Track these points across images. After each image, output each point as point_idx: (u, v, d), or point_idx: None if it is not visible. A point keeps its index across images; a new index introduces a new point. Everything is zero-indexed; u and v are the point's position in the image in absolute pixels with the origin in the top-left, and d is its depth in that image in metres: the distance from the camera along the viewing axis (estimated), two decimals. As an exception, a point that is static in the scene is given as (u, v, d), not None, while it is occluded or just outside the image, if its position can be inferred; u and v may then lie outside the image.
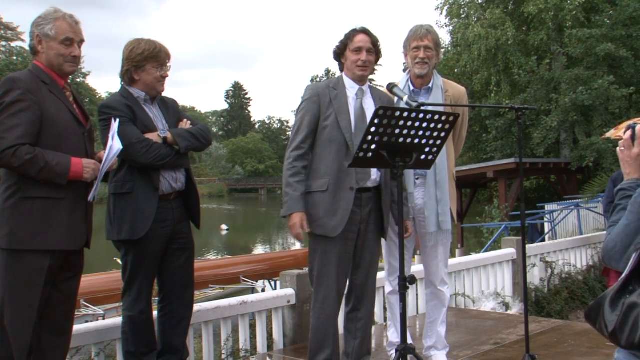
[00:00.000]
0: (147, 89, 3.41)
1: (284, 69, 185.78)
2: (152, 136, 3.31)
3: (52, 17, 2.94)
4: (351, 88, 3.55)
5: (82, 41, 3.02)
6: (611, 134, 9.01)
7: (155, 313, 3.52)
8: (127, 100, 3.36)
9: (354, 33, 3.52)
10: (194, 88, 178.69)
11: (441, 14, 24.58)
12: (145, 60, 3.34)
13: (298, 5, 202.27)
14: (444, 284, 3.84)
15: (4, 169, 2.79)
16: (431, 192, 3.67)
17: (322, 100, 3.47)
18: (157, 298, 3.55)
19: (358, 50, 3.48)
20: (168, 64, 3.45)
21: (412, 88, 3.75)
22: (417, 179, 3.71)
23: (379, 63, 3.73)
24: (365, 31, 3.52)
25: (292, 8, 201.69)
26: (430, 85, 3.74)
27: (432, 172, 3.63)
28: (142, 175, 3.30)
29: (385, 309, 5.22)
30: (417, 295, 5.47)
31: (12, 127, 2.73)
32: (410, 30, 3.73)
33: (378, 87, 3.87)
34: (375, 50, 3.53)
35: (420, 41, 3.66)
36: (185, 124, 3.53)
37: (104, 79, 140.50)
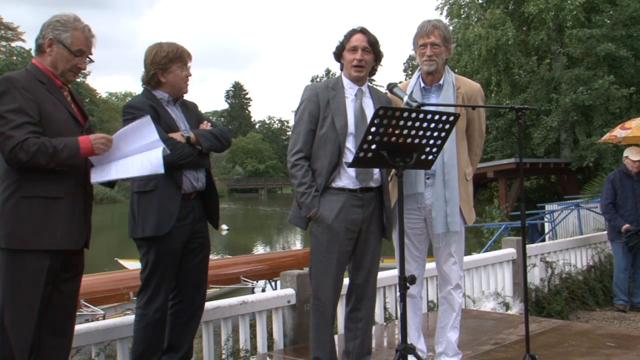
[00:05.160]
0: (172, 90, 3.49)
1: (283, 69, 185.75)
2: (176, 136, 3.38)
3: (72, 26, 2.95)
4: (350, 89, 3.54)
5: (90, 54, 3.05)
6: (605, 137, 9.04)
7: None
8: (151, 101, 3.43)
9: (351, 32, 3.51)
10: (192, 88, 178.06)
11: (441, 14, 24.56)
12: (170, 62, 3.43)
13: (297, 3, 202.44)
14: (457, 288, 3.69)
15: (14, 166, 2.76)
16: (439, 192, 3.55)
17: (320, 100, 3.48)
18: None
19: (353, 50, 3.47)
20: (189, 64, 3.53)
21: (422, 85, 3.67)
22: (428, 178, 3.60)
23: (380, 63, 3.72)
24: (362, 30, 3.50)
25: (291, 6, 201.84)
26: (441, 82, 3.64)
27: (441, 172, 3.54)
28: (166, 174, 3.32)
29: (385, 309, 5.23)
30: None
31: (19, 125, 2.72)
32: (418, 27, 3.64)
33: (378, 88, 3.86)
34: (373, 50, 3.51)
35: (426, 38, 3.57)
36: (206, 126, 3.60)
37: (100, 79, 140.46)
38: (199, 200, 3.54)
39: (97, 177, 2.96)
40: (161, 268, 3.37)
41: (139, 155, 3.00)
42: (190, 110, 3.64)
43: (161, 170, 2.99)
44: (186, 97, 3.66)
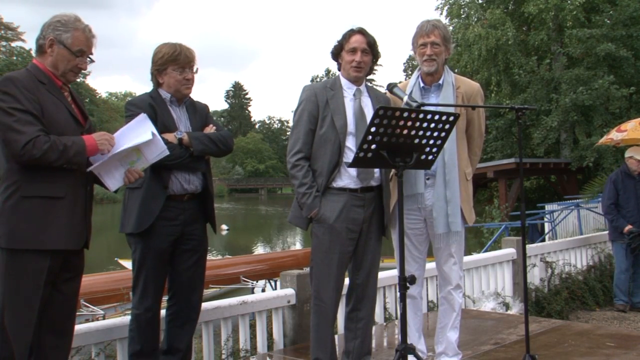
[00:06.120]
0: (172, 91, 3.50)
1: (283, 69, 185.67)
2: (168, 136, 3.37)
3: (73, 27, 2.96)
4: (348, 89, 3.55)
5: (91, 54, 3.05)
6: (602, 140, 9.03)
7: (163, 312, 3.56)
8: (153, 100, 3.46)
9: (350, 33, 3.51)
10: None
11: (441, 14, 24.56)
12: (166, 64, 3.45)
13: (297, 3, 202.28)
14: (457, 289, 3.70)
15: (25, 163, 2.77)
16: (440, 192, 3.54)
17: (319, 100, 3.48)
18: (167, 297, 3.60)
19: (353, 51, 3.48)
20: (194, 66, 3.52)
21: (422, 85, 3.66)
22: (428, 179, 3.59)
23: (378, 63, 3.72)
24: (361, 31, 3.51)
25: (291, 6, 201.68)
26: (440, 81, 3.63)
27: (442, 172, 3.53)
28: (153, 173, 3.36)
29: (385, 309, 5.23)
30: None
31: (28, 122, 2.74)
32: (417, 26, 3.62)
33: (377, 88, 3.86)
34: (371, 51, 3.52)
35: (426, 37, 3.55)
36: (210, 129, 3.59)
37: (99, 79, 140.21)
38: (194, 202, 3.51)
39: (94, 163, 2.95)
40: (146, 266, 3.38)
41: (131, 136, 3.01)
42: (198, 112, 3.63)
43: (150, 135, 2.97)
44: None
